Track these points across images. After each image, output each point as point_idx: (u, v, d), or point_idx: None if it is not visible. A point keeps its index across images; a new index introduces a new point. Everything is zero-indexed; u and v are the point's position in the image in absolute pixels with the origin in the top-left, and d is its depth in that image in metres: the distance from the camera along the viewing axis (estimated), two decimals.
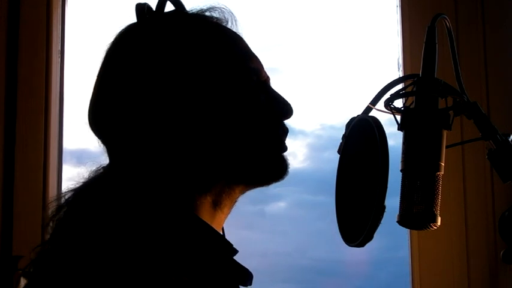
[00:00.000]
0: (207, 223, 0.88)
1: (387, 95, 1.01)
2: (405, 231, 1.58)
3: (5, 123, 1.62)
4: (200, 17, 0.97)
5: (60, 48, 1.68)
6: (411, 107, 0.97)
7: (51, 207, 0.91)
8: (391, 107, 1.00)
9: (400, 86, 1.03)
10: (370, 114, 1.02)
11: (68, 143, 1.69)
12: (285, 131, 0.96)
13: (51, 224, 0.90)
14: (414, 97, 0.97)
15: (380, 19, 1.77)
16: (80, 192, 0.90)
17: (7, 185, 1.60)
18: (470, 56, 1.56)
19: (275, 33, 1.80)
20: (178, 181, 0.89)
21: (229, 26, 0.99)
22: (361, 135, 0.98)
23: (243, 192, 0.95)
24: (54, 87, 1.65)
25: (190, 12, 0.98)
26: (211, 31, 0.95)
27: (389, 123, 0.99)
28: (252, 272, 0.89)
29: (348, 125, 1.03)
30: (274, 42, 1.80)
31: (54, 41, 1.65)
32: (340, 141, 1.04)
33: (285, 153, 0.95)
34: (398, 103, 1.00)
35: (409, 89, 1.00)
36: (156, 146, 0.89)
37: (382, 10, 1.76)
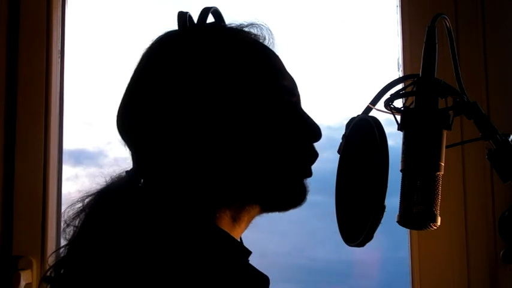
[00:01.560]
0: (225, 230, 0.89)
1: (387, 95, 1.01)
2: (405, 231, 1.58)
3: (5, 123, 1.62)
4: (239, 32, 0.97)
5: (60, 48, 1.68)
6: (411, 107, 0.97)
7: (69, 211, 0.91)
8: (391, 107, 1.00)
9: (400, 86, 1.03)
10: (370, 114, 1.02)
11: (66, 143, 1.69)
12: (314, 155, 0.96)
13: (69, 228, 0.90)
14: (414, 97, 0.97)
15: (380, 19, 1.77)
16: (102, 197, 0.90)
17: (7, 185, 1.60)
18: (470, 56, 1.56)
19: (275, 33, 1.79)
20: (201, 192, 0.89)
21: (266, 43, 0.99)
22: (361, 135, 0.98)
23: (260, 213, 0.96)
24: (54, 87, 1.65)
25: (230, 26, 0.98)
26: (248, 47, 0.95)
27: (389, 123, 0.99)
28: None
29: (348, 125, 1.03)
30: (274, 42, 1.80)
31: (54, 41, 1.65)
32: (340, 141, 1.04)
33: (306, 180, 0.95)
34: (398, 103, 1.00)
35: (409, 89, 1.00)
36: (184, 157, 0.89)
37: (382, 10, 1.76)
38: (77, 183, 1.69)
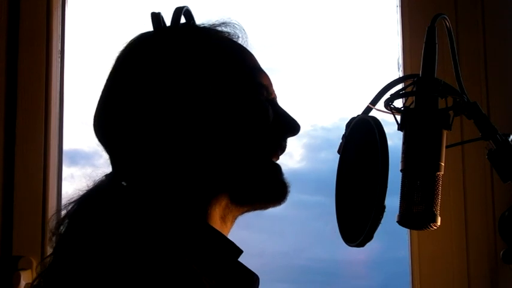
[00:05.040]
0: (216, 229, 0.90)
1: (387, 95, 1.01)
2: (405, 231, 1.58)
3: (5, 123, 1.62)
4: (212, 32, 0.98)
5: (60, 48, 1.67)
6: (411, 107, 0.97)
7: (53, 220, 0.91)
8: (391, 107, 1.00)
9: (400, 86, 1.03)
10: (370, 114, 1.02)
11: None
12: (282, 147, 0.96)
13: (54, 237, 0.89)
14: (414, 97, 0.97)
15: (380, 19, 1.77)
16: (81, 203, 0.90)
17: (7, 185, 1.60)
18: (470, 56, 1.56)
19: (274, 32, 1.80)
20: (181, 190, 0.90)
21: (239, 41, 0.99)
22: (361, 135, 0.98)
23: (244, 211, 0.96)
24: (54, 87, 1.65)
25: (203, 26, 0.98)
26: (221, 46, 0.95)
27: (389, 123, 0.99)
28: None
29: (348, 125, 1.03)
30: (273, 42, 1.80)
31: (54, 41, 1.65)
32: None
33: (285, 178, 0.96)
34: (398, 103, 1.00)
35: (409, 89, 1.00)
36: (162, 157, 0.89)
37: (382, 10, 1.76)
38: (73, 183, 1.69)
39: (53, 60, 1.65)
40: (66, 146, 1.68)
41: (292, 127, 0.96)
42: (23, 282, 1.53)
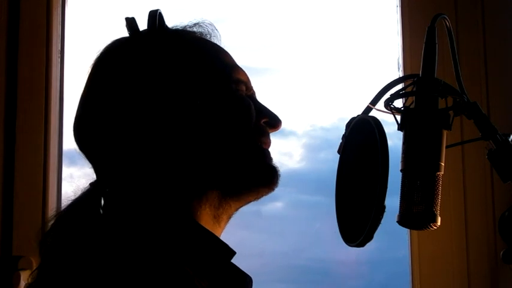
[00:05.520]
0: (205, 227, 0.89)
1: (387, 95, 1.01)
2: (405, 231, 1.58)
3: (5, 123, 1.62)
4: (184, 33, 0.98)
5: (60, 48, 1.67)
6: (411, 107, 0.97)
7: (39, 236, 0.92)
8: (391, 107, 1.00)
9: (400, 86, 1.03)
10: (370, 114, 1.02)
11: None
12: (264, 132, 0.96)
13: (43, 246, 0.90)
14: (414, 97, 0.97)
15: (380, 19, 1.77)
16: (68, 211, 0.90)
17: (7, 185, 1.60)
18: (470, 56, 1.56)
19: (273, 32, 1.80)
20: (169, 191, 0.90)
21: (213, 40, 1.00)
22: (361, 135, 0.98)
23: (237, 206, 0.96)
24: (54, 87, 1.65)
25: (176, 28, 0.99)
26: (195, 45, 0.96)
27: (389, 123, 0.99)
28: (249, 272, 0.89)
29: (348, 125, 1.03)
30: (273, 42, 1.80)
31: (54, 41, 1.65)
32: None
33: (273, 162, 0.96)
34: (399, 103, 1.00)
35: (409, 89, 1.00)
36: (144, 160, 0.89)
37: (382, 10, 1.76)
38: (73, 183, 1.69)
39: (53, 60, 1.65)
40: (65, 146, 1.68)
41: (273, 119, 0.97)
42: (22, 283, 1.53)
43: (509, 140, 0.99)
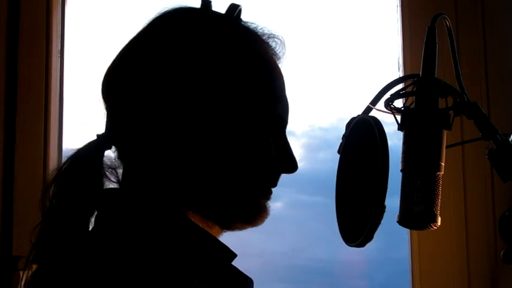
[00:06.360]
0: (204, 229, 0.86)
1: (387, 95, 1.01)
2: (405, 231, 1.58)
3: (5, 123, 1.62)
4: (258, 42, 0.92)
5: (60, 48, 1.67)
6: (411, 107, 0.97)
7: (46, 182, 0.89)
8: (391, 107, 1.00)
9: (400, 86, 1.03)
10: (370, 114, 1.02)
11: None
12: (273, 185, 0.91)
13: (43, 201, 0.89)
14: (414, 97, 0.97)
15: (380, 18, 1.77)
16: (72, 164, 0.87)
17: (7, 184, 1.60)
18: (470, 56, 1.56)
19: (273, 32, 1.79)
20: (169, 183, 0.86)
21: (279, 62, 0.94)
22: (361, 135, 0.98)
23: (224, 229, 0.91)
24: (54, 87, 1.65)
25: (248, 25, 0.92)
26: (261, 63, 0.90)
27: (389, 123, 0.99)
28: (249, 272, 0.88)
29: (348, 125, 1.03)
30: None
31: (54, 41, 1.65)
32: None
33: (266, 202, 0.90)
34: (399, 103, 1.00)
35: (409, 89, 1.00)
36: (158, 137, 0.84)
37: (382, 10, 1.76)
38: None
39: (53, 60, 1.65)
40: (65, 146, 1.68)
41: (289, 166, 0.91)
42: (23, 282, 1.53)
43: (510, 140, 0.99)
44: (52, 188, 0.88)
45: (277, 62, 0.94)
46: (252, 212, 0.89)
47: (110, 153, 0.91)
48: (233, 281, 0.86)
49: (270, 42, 0.94)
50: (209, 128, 0.84)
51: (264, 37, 0.93)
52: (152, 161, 0.86)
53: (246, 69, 0.87)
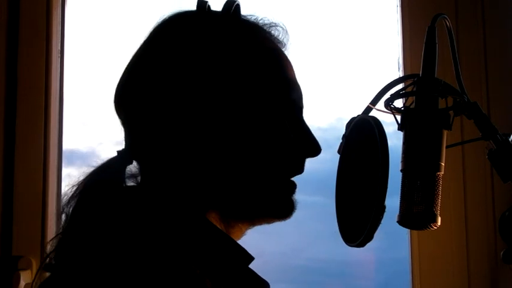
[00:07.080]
0: (222, 231, 0.87)
1: (387, 95, 1.01)
2: (405, 231, 1.58)
3: (5, 123, 1.62)
4: (259, 32, 0.93)
5: (60, 48, 1.67)
6: (411, 107, 0.97)
7: (65, 196, 0.88)
8: (391, 107, 1.00)
9: (400, 86, 1.03)
10: (370, 114, 1.02)
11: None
12: (301, 169, 0.92)
13: (63, 214, 0.87)
14: (414, 97, 0.97)
15: (380, 19, 1.77)
16: (93, 181, 0.87)
17: (7, 185, 1.60)
18: (470, 56, 1.56)
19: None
20: (191, 186, 0.87)
21: (284, 49, 0.95)
22: (361, 135, 0.98)
23: (247, 227, 0.93)
24: (54, 87, 1.65)
25: (253, 21, 0.94)
26: (265, 51, 0.91)
27: (389, 123, 0.99)
28: None
29: (348, 125, 1.03)
30: None
31: (54, 41, 1.65)
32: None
33: (293, 196, 0.92)
34: (399, 103, 1.00)
35: (409, 89, 1.00)
36: (177, 143, 0.85)
37: (382, 10, 1.76)
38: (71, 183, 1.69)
39: (53, 60, 1.65)
40: (65, 146, 1.68)
41: (311, 149, 0.92)
42: (22, 283, 1.53)
43: (510, 140, 0.99)
44: (73, 202, 0.87)
45: (283, 49, 0.95)
46: (280, 205, 0.91)
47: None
48: (249, 284, 0.86)
49: (273, 31, 0.95)
50: (226, 126, 0.85)
51: (265, 27, 0.95)
52: (172, 164, 0.87)
53: (253, 61, 0.88)
